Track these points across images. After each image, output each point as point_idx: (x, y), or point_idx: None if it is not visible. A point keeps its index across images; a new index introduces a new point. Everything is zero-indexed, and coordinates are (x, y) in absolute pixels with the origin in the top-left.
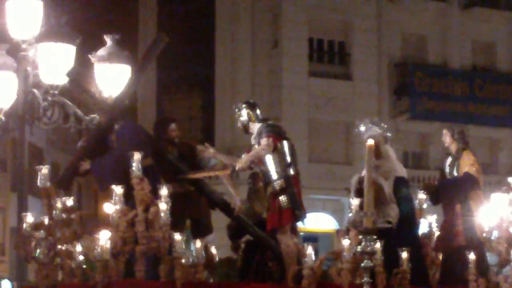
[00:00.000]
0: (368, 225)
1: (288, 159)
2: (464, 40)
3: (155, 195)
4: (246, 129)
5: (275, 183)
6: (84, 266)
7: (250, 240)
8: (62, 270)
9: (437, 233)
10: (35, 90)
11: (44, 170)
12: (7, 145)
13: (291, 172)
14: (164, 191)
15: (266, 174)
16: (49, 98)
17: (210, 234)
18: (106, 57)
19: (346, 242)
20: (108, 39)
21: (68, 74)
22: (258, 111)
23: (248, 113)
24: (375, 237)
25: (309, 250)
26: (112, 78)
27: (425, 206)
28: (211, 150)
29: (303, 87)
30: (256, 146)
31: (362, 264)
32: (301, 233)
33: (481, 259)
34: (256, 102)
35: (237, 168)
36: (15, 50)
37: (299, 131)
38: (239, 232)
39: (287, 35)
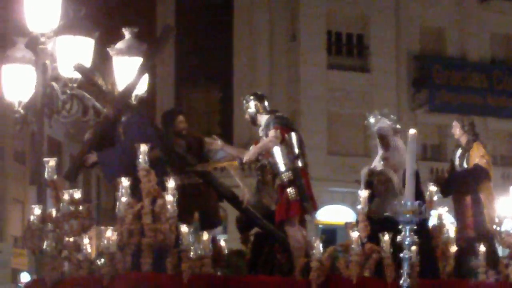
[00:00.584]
0: (408, 215)
1: (296, 150)
2: (482, 33)
3: (162, 187)
4: (254, 120)
5: (283, 175)
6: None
7: (259, 233)
8: (69, 262)
9: (448, 225)
10: (53, 83)
11: (51, 162)
12: (26, 138)
13: (299, 164)
14: (171, 183)
15: (274, 166)
16: (68, 91)
17: (218, 227)
18: (125, 50)
19: (355, 234)
20: (126, 32)
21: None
22: (266, 103)
23: (256, 105)
24: (415, 227)
25: (317, 242)
26: (131, 71)
27: (435, 198)
28: (219, 142)
29: (321, 80)
30: (264, 138)
31: (401, 255)
32: (320, 226)
33: (491, 251)
34: (264, 94)
35: (244, 160)
36: (33, 44)
37: (318, 124)
38: (248, 225)
39: (305, 28)
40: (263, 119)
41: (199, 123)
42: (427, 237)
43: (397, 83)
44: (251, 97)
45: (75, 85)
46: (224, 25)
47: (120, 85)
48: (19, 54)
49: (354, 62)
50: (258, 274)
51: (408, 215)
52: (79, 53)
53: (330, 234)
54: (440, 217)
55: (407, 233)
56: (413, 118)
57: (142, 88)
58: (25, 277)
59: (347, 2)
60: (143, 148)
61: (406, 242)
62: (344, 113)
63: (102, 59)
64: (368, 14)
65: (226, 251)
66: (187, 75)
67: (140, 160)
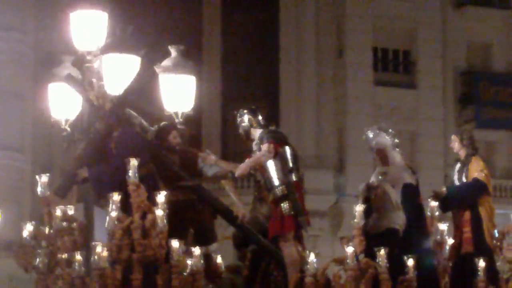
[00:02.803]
0: None
1: (290, 164)
2: None
3: (153, 202)
4: (247, 135)
5: (276, 189)
6: None
7: (256, 249)
8: (62, 280)
9: (449, 240)
10: None
11: (44, 178)
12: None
13: (293, 178)
14: (161, 198)
15: (267, 181)
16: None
17: (213, 243)
18: (171, 67)
19: (350, 249)
20: (172, 50)
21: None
22: (259, 117)
23: (249, 119)
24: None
25: (312, 257)
26: (177, 89)
27: (437, 213)
28: (213, 157)
29: (368, 96)
30: (258, 153)
31: None
32: None
33: (490, 266)
34: (257, 108)
35: (236, 174)
36: (80, 62)
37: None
38: (245, 241)
39: (351, 44)
40: (256, 133)
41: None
42: (427, 253)
43: (444, 99)
44: (245, 111)
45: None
46: (271, 43)
47: (166, 103)
48: (65, 73)
49: (400, 78)
50: None
51: None
52: (126, 71)
53: None
54: (441, 233)
55: None
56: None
57: (188, 106)
58: None
59: (394, 18)
60: (133, 162)
61: None
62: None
63: (149, 77)
64: (414, 30)
65: (223, 268)
66: (234, 93)
67: (130, 174)
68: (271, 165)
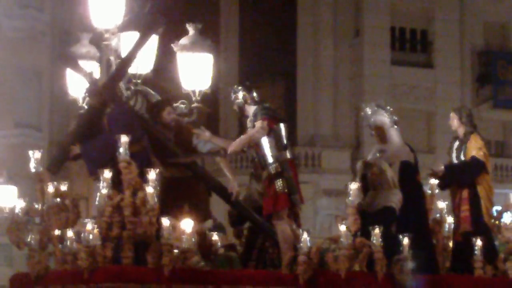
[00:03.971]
0: None
1: (284, 142)
2: None
3: (145, 179)
4: (242, 111)
5: (270, 167)
6: None
7: (252, 227)
8: (54, 256)
9: (449, 219)
10: None
11: (37, 154)
12: None
13: (288, 155)
14: (152, 175)
15: (261, 158)
16: (132, 87)
17: (208, 220)
18: (189, 46)
19: (343, 227)
20: (190, 28)
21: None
22: (254, 94)
23: (244, 96)
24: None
25: (305, 235)
26: (195, 67)
27: (436, 191)
28: (207, 134)
29: (385, 75)
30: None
31: None
32: None
33: (488, 245)
34: (252, 85)
35: (229, 151)
36: (98, 40)
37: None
38: (241, 219)
39: (369, 24)
40: (251, 110)
41: None
42: (424, 231)
43: (461, 79)
44: (239, 88)
45: (139, 81)
46: (288, 21)
47: (183, 82)
48: (83, 50)
49: (417, 58)
50: (250, 268)
51: None
52: (143, 49)
53: None
54: (440, 212)
55: None
56: (476, 114)
57: (205, 84)
58: None
59: None
60: (124, 139)
61: None
62: (407, 109)
63: (166, 55)
64: (432, 10)
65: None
66: (251, 71)
67: (121, 151)
68: (265, 142)
